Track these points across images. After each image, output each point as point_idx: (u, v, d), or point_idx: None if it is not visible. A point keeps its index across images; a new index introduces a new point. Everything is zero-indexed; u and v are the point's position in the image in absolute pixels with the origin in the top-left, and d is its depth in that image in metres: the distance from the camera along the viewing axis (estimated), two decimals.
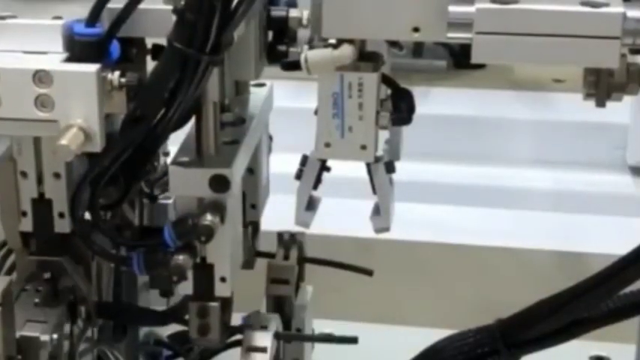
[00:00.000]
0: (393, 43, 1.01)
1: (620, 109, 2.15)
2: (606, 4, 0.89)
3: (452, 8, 0.90)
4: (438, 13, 0.91)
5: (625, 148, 2.19)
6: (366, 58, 0.99)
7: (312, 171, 1.05)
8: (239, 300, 1.19)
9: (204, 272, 1.03)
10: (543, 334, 1.09)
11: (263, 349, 1.07)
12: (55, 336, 1.02)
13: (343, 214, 1.73)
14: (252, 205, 1.19)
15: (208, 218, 0.98)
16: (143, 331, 1.28)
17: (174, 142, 1.23)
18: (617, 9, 0.89)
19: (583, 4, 0.89)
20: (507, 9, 0.89)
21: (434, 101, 2.30)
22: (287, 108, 1.66)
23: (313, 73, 0.96)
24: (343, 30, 0.94)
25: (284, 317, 1.22)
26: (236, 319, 1.11)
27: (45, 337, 1.01)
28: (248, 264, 1.19)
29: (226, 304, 1.07)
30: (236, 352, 1.10)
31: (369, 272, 1.32)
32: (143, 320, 1.23)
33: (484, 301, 1.63)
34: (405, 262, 1.67)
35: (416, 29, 0.92)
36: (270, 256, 1.29)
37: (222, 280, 1.03)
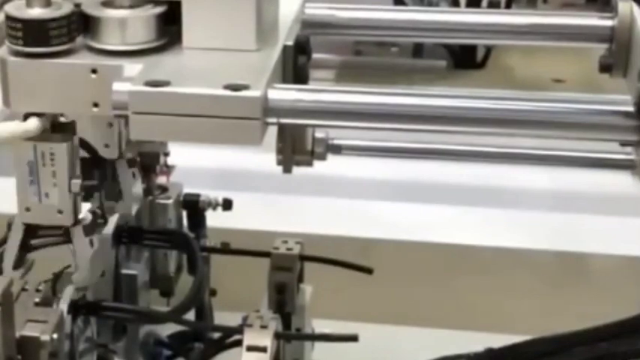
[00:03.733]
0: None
1: None
2: (246, 87, 0.92)
3: (115, 87, 0.95)
4: (109, 92, 0.95)
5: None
6: (58, 129, 1.04)
7: (17, 234, 1.10)
8: (239, 300, 1.19)
9: None
10: None
11: (263, 349, 1.07)
12: (55, 336, 1.02)
13: (343, 214, 1.73)
14: None
15: None
16: (143, 330, 1.28)
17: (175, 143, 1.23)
18: (255, 92, 0.92)
19: (225, 87, 0.92)
20: (157, 92, 0.93)
21: None
22: None
23: (3, 144, 1.01)
24: (29, 104, 1.00)
25: (284, 316, 1.22)
26: (236, 319, 1.11)
27: (45, 337, 1.01)
28: None
29: None
30: (236, 352, 1.10)
31: (368, 270, 1.33)
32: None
33: (484, 301, 1.63)
34: (405, 262, 1.66)
35: (96, 104, 0.98)
36: (268, 255, 1.29)
37: None
